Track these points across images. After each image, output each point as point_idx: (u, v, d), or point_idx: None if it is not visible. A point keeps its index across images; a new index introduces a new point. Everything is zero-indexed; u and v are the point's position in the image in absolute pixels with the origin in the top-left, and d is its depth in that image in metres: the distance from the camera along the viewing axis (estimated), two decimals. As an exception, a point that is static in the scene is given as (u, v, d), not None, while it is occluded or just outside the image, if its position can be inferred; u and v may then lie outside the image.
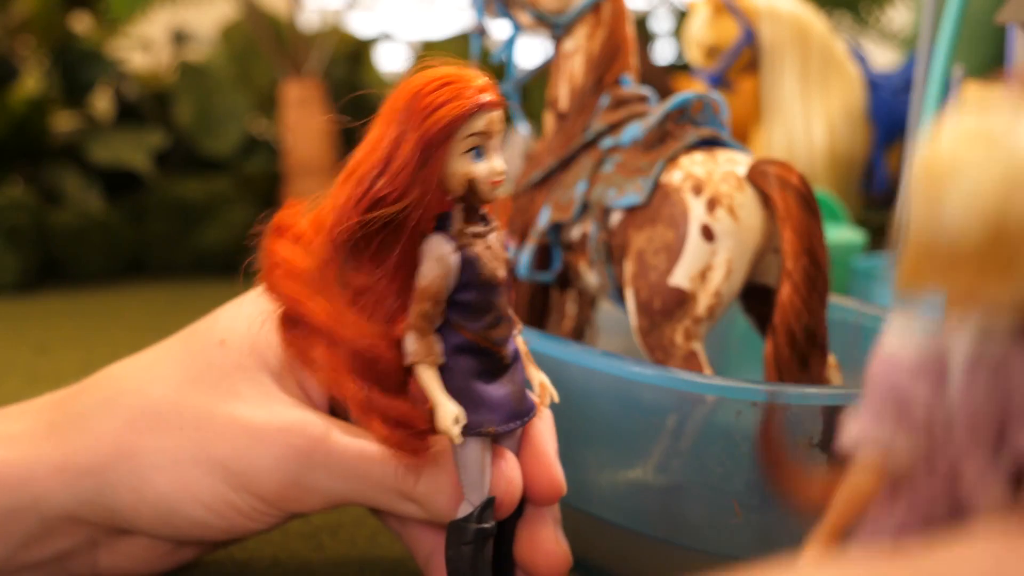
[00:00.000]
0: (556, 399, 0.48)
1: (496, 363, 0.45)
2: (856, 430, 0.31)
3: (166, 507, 0.47)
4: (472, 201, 0.44)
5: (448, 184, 0.43)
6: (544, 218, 0.60)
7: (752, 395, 0.48)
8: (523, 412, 0.46)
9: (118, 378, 0.50)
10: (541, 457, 0.48)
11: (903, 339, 0.30)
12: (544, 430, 0.48)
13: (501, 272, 0.44)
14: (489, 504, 0.46)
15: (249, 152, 1.29)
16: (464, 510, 0.46)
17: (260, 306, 0.47)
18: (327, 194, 0.44)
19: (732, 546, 0.50)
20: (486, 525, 0.46)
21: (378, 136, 0.43)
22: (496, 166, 0.43)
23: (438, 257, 0.43)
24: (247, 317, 0.49)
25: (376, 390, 0.43)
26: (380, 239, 0.43)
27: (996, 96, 0.27)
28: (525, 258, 0.60)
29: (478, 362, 0.44)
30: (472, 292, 0.44)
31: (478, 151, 0.43)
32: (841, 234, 0.81)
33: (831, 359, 0.54)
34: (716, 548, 0.50)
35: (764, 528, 0.49)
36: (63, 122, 1.29)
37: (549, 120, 0.62)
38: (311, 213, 0.45)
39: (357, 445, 0.47)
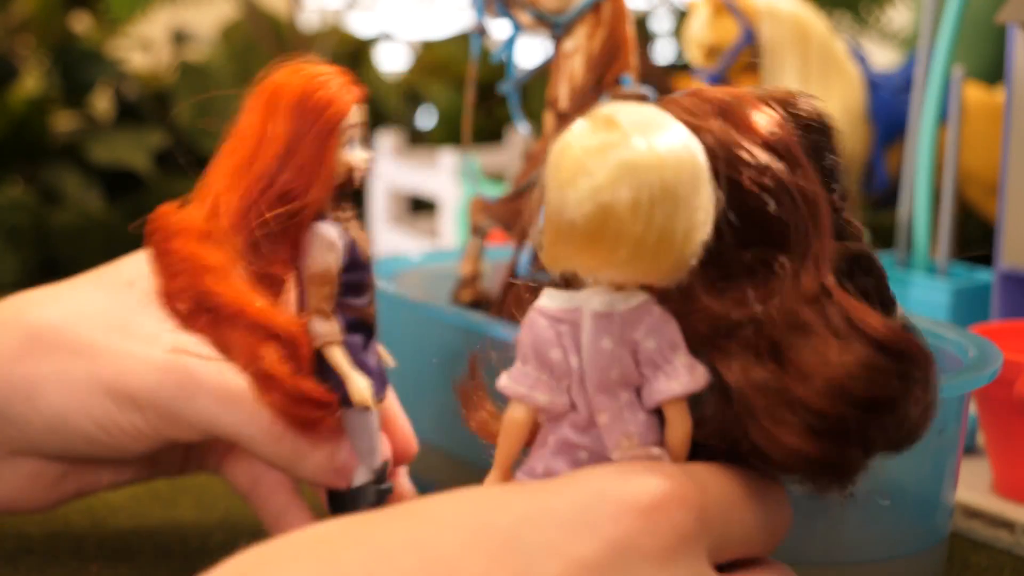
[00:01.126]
0: (393, 364, 0.51)
1: (371, 336, 0.48)
2: (507, 376, 0.36)
3: (58, 419, 0.50)
4: (345, 188, 0.47)
5: (334, 174, 0.46)
6: (544, 218, 0.60)
7: (752, 395, 0.48)
8: (386, 379, 0.49)
9: (25, 300, 0.53)
10: (399, 419, 0.53)
11: (548, 300, 0.36)
12: (392, 394, 0.53)
13: (370, 251, 0.48)
14: (384, 466, 0.50)
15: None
16: (362, 476, 0.49)
17: None
18: (207, 191, 0.47)
19: (732, 546, 0.50)
20: (384, 487, 0.50)
21: (268, 132, 0.46)
22: (365, 154, 0.47)
23: (329, 243, 0.46)
24: None
25: (292, 369, 0.46)
26: (280, 230, 0.46)
27: (622, 109, 0.33)
28: (525, 258, 0.60)
29: (361, 337, 0.48)
30: (355, 272, 0.47)
31: (352, 141, 0.47)
32: (841, 234, 0.81)
33: (831, 359, 0.54)
34: (716, 548, 0.50)
35: (764, 528, 0.49)
36: (63, 122, 1.29)
37: (549, 120, 0.62)
38: (199, 211, 0.47)
39: (240, 378, 0.49)
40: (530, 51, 0.73)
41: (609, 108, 0.33)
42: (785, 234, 0.34)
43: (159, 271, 0.48)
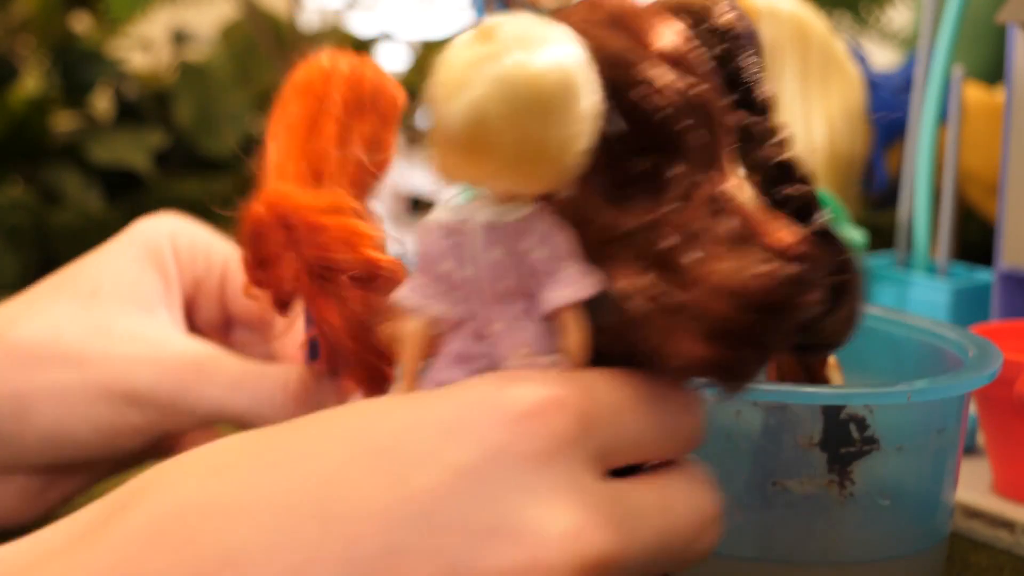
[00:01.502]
0: None
1: None
2: (403, 287, 0.37)
3: (53, 432, 0.50)
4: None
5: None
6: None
7: (752, 395, 0.48)
8: None
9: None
10: None
11: (439, 213, 0.36)
12: None
13: None
14: None
15: (249, 152, 1.29)
16: None
17: (131, 255, 0.54)
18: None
19: (732, 546, 0.50)
20: None
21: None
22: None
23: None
24: (119, 270, 0.54)
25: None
26: None
27: (505, 22, 0.33)
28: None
29: None
30: None
31: None
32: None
33: (831, 359, 0.54)
34: (716, 548, 0.50)
35: (764, 528, 0.49)
36: (63, 122, 1.29)
37: (549, 120, 0.62)
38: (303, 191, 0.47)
39: (241, 361, 0.51)
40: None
41: (492, 20, 0.34)
42: (679, 144, 0.35)
43: (312, 245, 0.45)
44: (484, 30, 0.33)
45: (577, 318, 0.35)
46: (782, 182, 0.38)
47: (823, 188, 0.93)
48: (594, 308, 0.36)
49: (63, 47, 1.27)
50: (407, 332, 0.37)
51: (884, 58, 1.41)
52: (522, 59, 0.32)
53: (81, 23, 1.32)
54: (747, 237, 0.35)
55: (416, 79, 1.38)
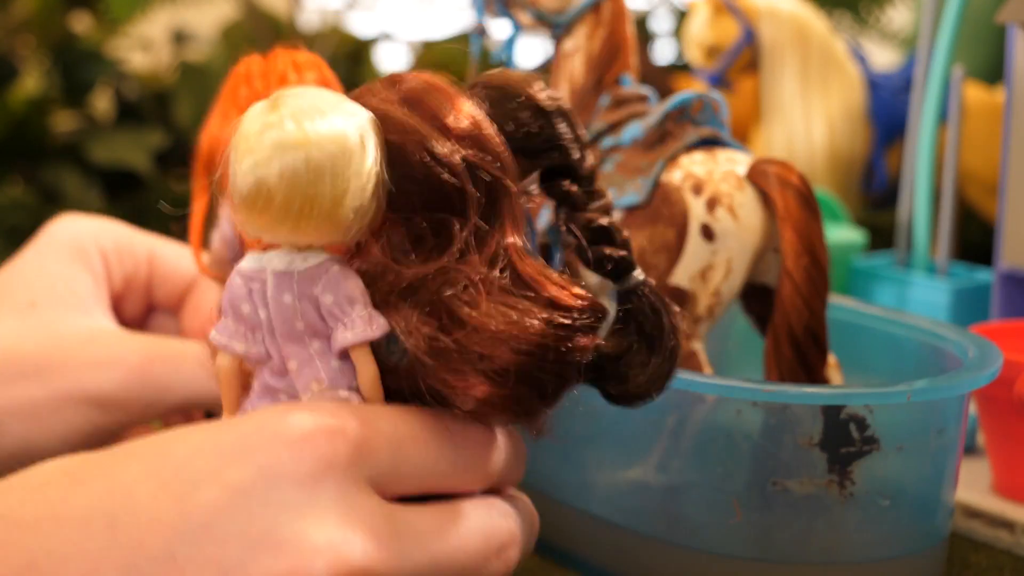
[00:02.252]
0: None
1: None
2: (213, 328, 0.40)
3: (23, 446, 0.50)
4: None
5: None
6: (544, 218, 0.60)
7: (752, 395, 0.48)
8: None
9: None
10: None
11: (245, 262, 0.40)
12: None
13: None
14: None
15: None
16: None
17: (58, 258, 0.54)
18: None
19: (732, 546, 0.50)
20: None
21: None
22: None
23: None
24: (51, 275, 0.54)
25: None
26: None
27: (291, 93, 0.38)
28: (525, 258, 0.60)
29: None
30: None
31: None
32: (841, 234, 0.81)
33: (831, 359, 0.54)
34: (716, 548, 0.50)
35: (764, 528, 0.49)
36: (63, 122, 1.29)
37: (549, 120, 0.62)
38: None
39: (194, 344, 0.52)
40: (530, 51, 0.73)
41: (281, 91, 0.39)
42: (462, 206, 0.39)
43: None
44: (273, 99, 0.38)
45: (366, 357, 0.39)
46: (601, 243, 0.43)
47: (823, 188, 0.93)
48: (385, 349, 0.39)
49: (63, 47, 1.27)
50: (219, 368, 0.41)
51: (884, 58, 1.41)
52: (298, 127, 0.37)
53: (81, 23, 1.32)
54: (525, 289, 0.39)
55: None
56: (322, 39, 1.25)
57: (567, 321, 0.39)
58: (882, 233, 1.08)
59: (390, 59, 1.43)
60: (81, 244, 0.56)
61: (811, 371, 0.52)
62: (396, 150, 0.39)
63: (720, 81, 0.92)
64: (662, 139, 0.57)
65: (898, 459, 0.49)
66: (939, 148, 0.83)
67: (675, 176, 0.55)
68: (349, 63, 1.36)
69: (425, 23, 1.52)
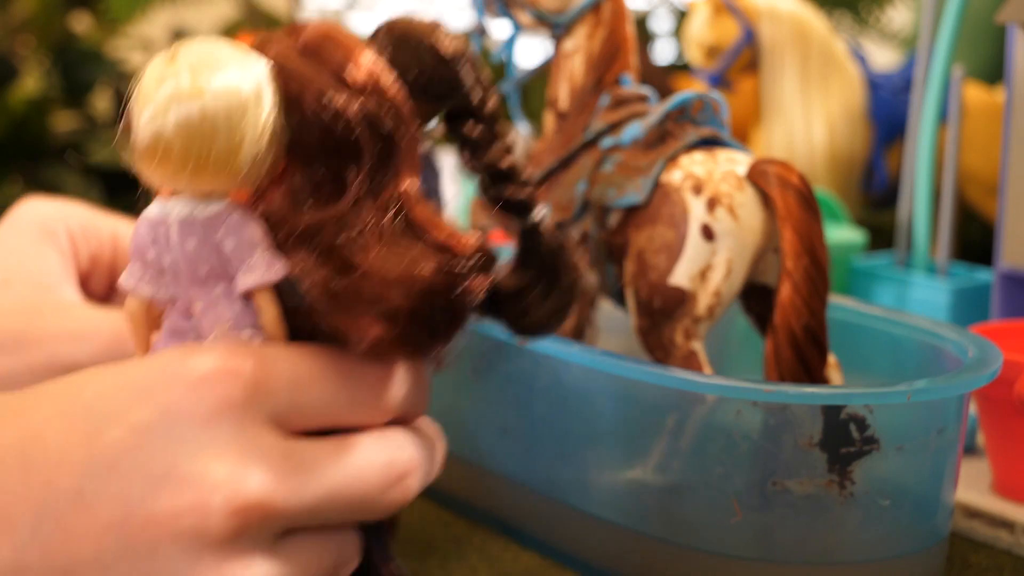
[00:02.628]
0: None
1: None
2: (123, 273, 0.42)
3: None
4: None
5: None
6: (544, 214, 0.60)
7: (752, 395, 0.48)
8: None
9: None
10: None
11: (149, 209, 0.42)
12: None
13: None
14: None
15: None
16: None
17: (28, 238, 0.56)
18: None
19: (732, 546, 0.50)
20: None
21: None
22: None
23: None
24: (22, 254, 0.56)
25: None
26: None
27: (188, 48, 0.39)
28: (525, 258, 0.60)
29: None
30: None
31: None
32: (841, 234, 0.81)
33: (831, 359, 0.54)
34: (716, 548, 0.50)
35: (764, 528, 0.49)
36: (63, 122, 1.29)
37: (549, 120, 0.62)
38: None
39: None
40: (530, 51, 0.73)
41: (178, 46, 0.40)
42: (357, 154, 0.41)
43: None
44: (170, 53, 0.40)
45: (268, 299, 0.41)
46: (503, 183, 0.44)
47: (823, 188, 0.93)
48: (286, 292, 0.41)
49: (63, 47, 1.27)
50: (129, 311, 0.43)
51: (884, 58, 1.41)
52: (193, 80, 0.39)
53: (81, 23, 1.32)
54: (418, 234, 0.41)
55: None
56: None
57: (457, 265, 0.41)
58: (882, 233, 1.08)
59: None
60: (49, 225, 0.58)
61: (811, 371, 0.52)
62: (294, 101, 0.40)
63: (720, 81, 0.92)
64: (662, 139, 0.57)
65: (898, 459, 0.49)
66: (939, 148, 0.83)
67: (675, 176, 0.55)
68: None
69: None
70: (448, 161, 1.00)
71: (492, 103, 0.45)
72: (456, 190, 1.00)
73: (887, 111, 0.96)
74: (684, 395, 0.50)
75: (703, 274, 0.53)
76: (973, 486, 0.60)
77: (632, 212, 0.56)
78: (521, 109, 0.65)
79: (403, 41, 0.43)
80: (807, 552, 0.49)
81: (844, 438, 0.48)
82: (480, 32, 0.64)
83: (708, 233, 0.53)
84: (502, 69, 0.64)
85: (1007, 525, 0.58)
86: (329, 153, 0.41)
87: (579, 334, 0.63)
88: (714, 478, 0.49)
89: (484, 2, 0.62)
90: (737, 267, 0.53)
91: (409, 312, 0.40)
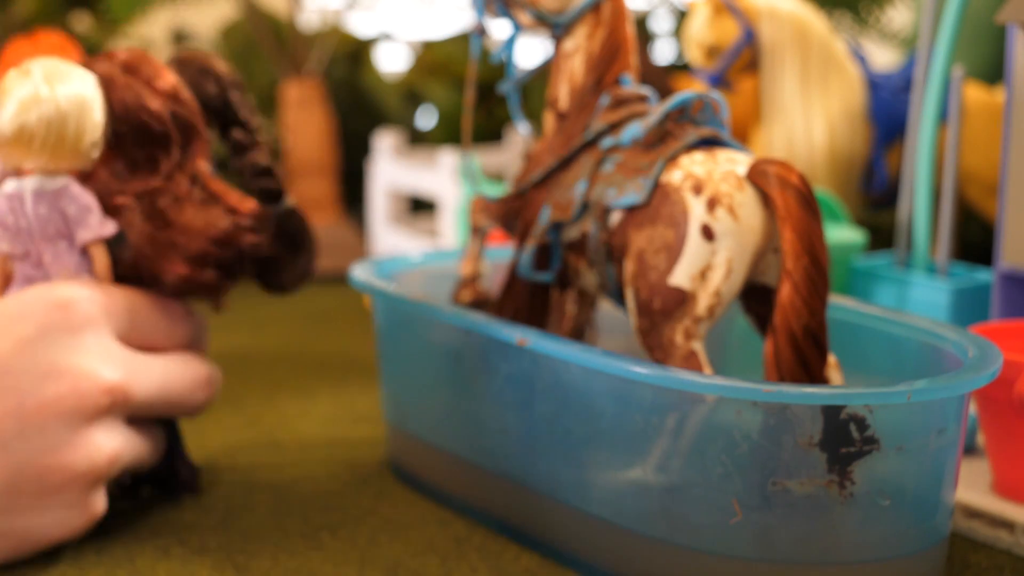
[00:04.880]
0: None
1: None
2: None
3: None
4: None
5: None
6: (544, 218, 0.60)
7: (752, 395, 0.48)
8: None
9: None
10: None
11: (7, 184, 0.56)
12: None
13: None
14: None
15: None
16: None
17: None
18: None
19: (732, 546, 0.50)
20: None
21: None
22: None
23: None
24: None
25: None
26: None
27: (40, 63, 0.55)
28: (525, 258, 0.60)
29: None
30: None
31: None
32: (841, 234, 0.81)
33: (831, 359, 0.54)
34: (716, 548, 0.50)
35: (764, 528, 0.49)
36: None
37: (549, 120, 0.62)
38: None
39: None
40: (530, 51, 0.73)
41: (31, 62, 0.55)
42: (166, 142, 0.58)
43: None
44: (23, 68, 0.55)
45: (100, 251, 0.57)
46: (262, 177, 0.62)
47: (823, 188, 0.93)
48: (115, 246, 0.58)
49: (63, 47, 1.26)
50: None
51: (884, 58, 1.41)
52: (50, 86, 0.54)
53: (81, 23, 1.32)
54: (214, 200, 0.59)
55: (416, 79, 1.38)
56: (322, 39, 1.25)
57: (244, 222, 0.60)
58: (882, 233, 1.08)
59: (390, 59, 1.43)
60: None
61: (811, 371, 0.52)
62: (119, 103, 0.57)
63: (720, 81, 0.92)
64: (662, 139, 0.57)
65: (898, 459, 0.49)
66: (939, 148, 0.83)
67: (675, 176, 0.55)
68: (349, 63, 1.36)
69: (425, 23, 1.51)
70: (448, 161, 1.00)
71: (255, 118, 0.62)
72: (456, 190, 1.00)
73: (887, 111, 0.96)
74: (684, 395, 0.50)
75: (703, 274, 0.53)
76: (973, 486, 0.60)
77: (632, 212, 0.56)
78: (521, 109, 0.65)
79: (190, 66, 0.61)
80: (807, 552, 0.49)
81: (844, 438, 0.48)
82: (480, 32, 0.64)
83: (708, 233, 0.53)
84: (502, 69, 0.64)
85: (1007, 525, 0.58)
86: (145, 141, 0.58)
87: (579, 334, 0.63)
88: (714, 478, 0.49)
89: (484, 2, 0.62)
90: (737, 267, 0.53)
91: (207, 256, 0.58)
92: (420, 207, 1.26)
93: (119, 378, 0.55)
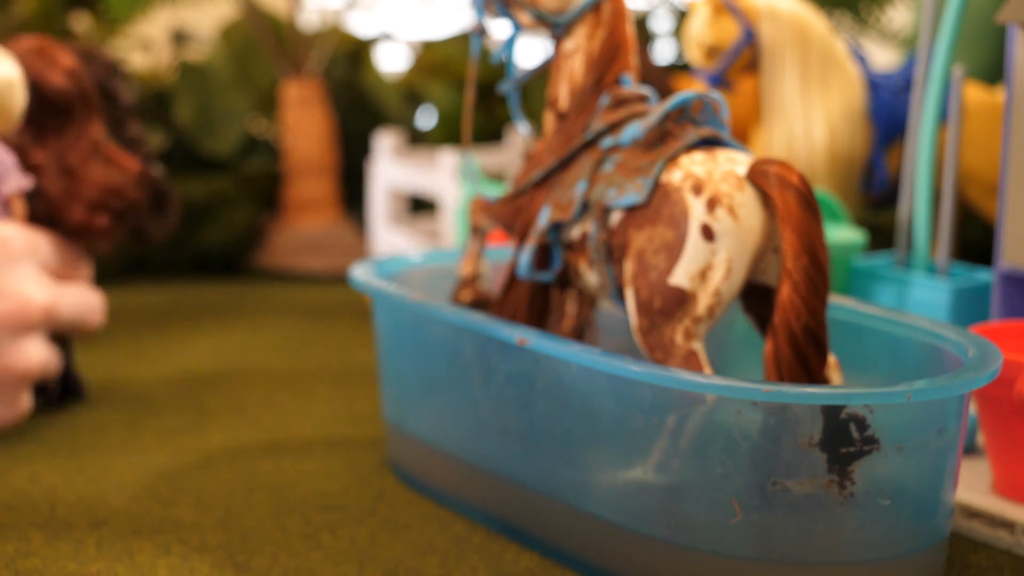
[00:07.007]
0: None
1: None
2: None
3: None
4: None
5: None
6: (544, 218, 0.60)
7: (752, 395, 0.48)
8: None
9: None
10: None
11: None
12: None
13: None
14: None
15: (249, 152, 1.29)
16: None
17: None
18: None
19: (732, 546, 0.50)
20: None
21: None
22: None
23: None
24: None
25: None
26: None
27: None
28: (525, 258, 0.60)
29: None
30: None
31: None
32: (841, 234, 0.81)
33: (831, 359, 0.54)
34: (716, 548, 0.50)
35: (764, 528, 0.49)
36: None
37: (549, 120, 0.62)
38: None
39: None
40: (530, 51, 0.73)
41: None
42: (71, 112, 0.74)
43: None
44: None
45: (19, 202, 0.71)
46: (132, 147, 0.78)
47: (823, 188, 0.93)
48: (33, 197, 0.72)
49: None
50: None
51: (884, 58, 1.41)
52: None
53: (81, 23, 1.32)
54: (110, 160, 0.75)
55: (416, 79, 1.38)
56: (322, 39, 1.25)
57: (130, 179, 0.75)
58: (882, 233, 1.08)
59: (390, 59, 1.43)
60: None
61: (811, 371, 0.52)
62: (34, 80, 0.72)
63: (720, 81, 0.92)
64: (662, 139, 0.57)
65: (898, 459, 0.49)
66: (939, 148, 0.83)
67: (675, 176, 0.55)
68: (349, 63, 1.36)
69: (425, 23, 1.51)
70: (448, 161, 1.00)
71: (130, 97, 0.79)
72: (456, 190, 1.00)
73: (887, 111, 0.96)
74: (684, 395, 0.50)
75: (703, 274, 0.53)
76: (973, 486, 0.60)
77: (632, 212, 0.56)
78: (521, 109, 0.65)
79: (88, 57, 0.76)
80: (807, 552, 0.49)
81: (844, 438, 0.48)
82: (480, 32, 0.64)
83: (708, 233, 0.53)
84: (502, 69, 0.64)
85: (1007, 525, 0.58)
86: (56, 111, 0.74)
87: (579, 334, 0.63)
88: (714, 478, 0.49)
89: (484, 2, 0.62)
90: (737, 267, 0.53)
91: (103, 203, 0.74)
92: (420, 207, 1.26)
93: (47, 298, 0.70)
